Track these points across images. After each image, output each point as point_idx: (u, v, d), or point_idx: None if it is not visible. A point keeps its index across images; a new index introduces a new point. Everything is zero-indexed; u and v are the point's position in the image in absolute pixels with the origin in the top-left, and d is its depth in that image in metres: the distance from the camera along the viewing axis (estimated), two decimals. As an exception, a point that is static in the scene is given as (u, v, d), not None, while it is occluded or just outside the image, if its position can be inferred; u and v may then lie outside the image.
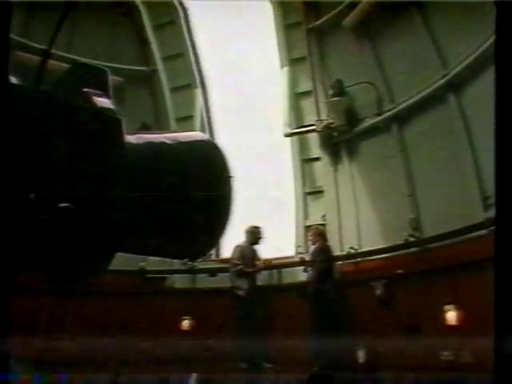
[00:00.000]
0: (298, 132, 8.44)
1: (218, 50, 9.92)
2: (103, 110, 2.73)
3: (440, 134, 6.60)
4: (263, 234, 7.72)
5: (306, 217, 8.36)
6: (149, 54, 9.34)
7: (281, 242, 8.46)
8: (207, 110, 9.62)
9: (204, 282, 8.25)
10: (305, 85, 8.54)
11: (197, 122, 9.17)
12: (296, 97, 8.66)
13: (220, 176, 3.09)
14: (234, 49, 9.80)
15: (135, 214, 2.72)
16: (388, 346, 6.41)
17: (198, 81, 9.44)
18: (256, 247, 7.71)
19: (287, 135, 8.44)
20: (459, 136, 6.20)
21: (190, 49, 9.36)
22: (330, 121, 7.85)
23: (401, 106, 7.17)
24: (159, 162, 2.95)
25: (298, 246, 8.16)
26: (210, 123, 9.63)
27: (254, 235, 7.68)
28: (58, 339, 7.29)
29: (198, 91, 9.42)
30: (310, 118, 8.35)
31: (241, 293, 7.29)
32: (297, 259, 7.87)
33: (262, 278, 7.68)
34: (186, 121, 9.20)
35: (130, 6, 8.97)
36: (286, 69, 8.66)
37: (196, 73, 9.43)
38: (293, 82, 8.62)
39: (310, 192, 8.46)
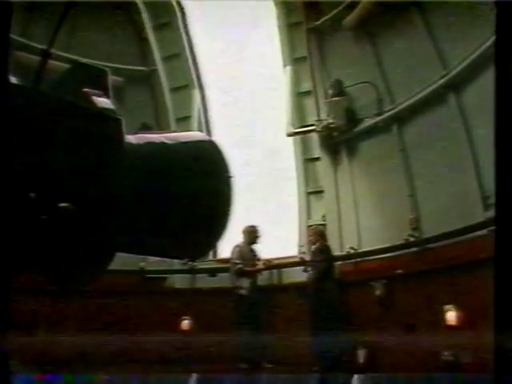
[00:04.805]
0: (301, 131, 8.44)
1: (219, 49, 9.92)
2: (103, 110, 2.72)
3: (440, 134, 6.60)
4: (260, 232, 7.70)
5: (309, 216, 8.36)
6: (148, 54, 9.35)
7: (283, 242, 8.46)
8: (205, 110, 9.63)
9: (204, 282, 8.25)
10: (308, 84, 8.53)
11: (194, 123, 9.17)
12: (299, 96, 8.66)
13: (220, 176, 3.09)
14: (234, 48, 9.81)
15: (135, 214, 2.71)
16: (388, 345, 6.42)
17: (195, 81, 9.45)
18: (255, 246, 7.70)
19: (289, 135, 8.43)
20: (459, 136, 6.21)
21: (188, 49, 9.37)
22: (330, 121, 7.86)
23: (401, 106, 7.18)
24: (159, 162, 2.95)
25: (301, 246, 8.15)
26: (207, 123, 9.63)
27: (252, 234, 7.66)
28: (57, 339, 7.30)
29: (196, 91, 9.43)
30: (313, 118, 8.35)
31: (243, 292, 7.28)
32: (298, 259, 7.87)
33: (262, 278, 7.68)
34: (184, 121, 9.21)
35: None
36: (288, 68, 8.65)
37: (193, 73, 9.44)
38: (295, 81, 8.62)
39: (313, 192, 8.46)
